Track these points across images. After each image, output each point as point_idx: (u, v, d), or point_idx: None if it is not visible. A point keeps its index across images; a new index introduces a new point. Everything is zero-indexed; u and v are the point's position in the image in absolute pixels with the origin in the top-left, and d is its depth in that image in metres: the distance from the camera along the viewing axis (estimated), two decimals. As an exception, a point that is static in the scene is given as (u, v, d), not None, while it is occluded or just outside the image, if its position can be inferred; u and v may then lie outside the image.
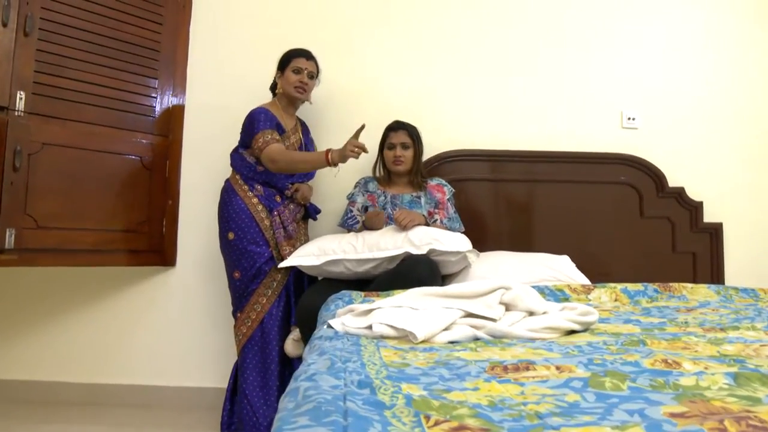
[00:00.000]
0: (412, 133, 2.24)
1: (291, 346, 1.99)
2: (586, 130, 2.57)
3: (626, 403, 0.57)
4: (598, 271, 2.23)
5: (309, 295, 1.88)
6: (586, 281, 2.05)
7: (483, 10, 2.62)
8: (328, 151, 1.91)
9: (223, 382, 2.24)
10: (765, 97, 2.64)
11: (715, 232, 2.49)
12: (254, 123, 2.04)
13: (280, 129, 2.10)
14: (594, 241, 2.46)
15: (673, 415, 0.53)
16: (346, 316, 1.10)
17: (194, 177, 2.46)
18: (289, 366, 2.05)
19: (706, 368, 0.73)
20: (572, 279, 2.04)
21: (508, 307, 1.10)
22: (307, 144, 2.27)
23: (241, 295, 2.02)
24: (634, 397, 0.59)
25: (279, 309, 2.03)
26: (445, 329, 1.00)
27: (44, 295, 2.43)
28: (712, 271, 2.47)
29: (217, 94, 2.50)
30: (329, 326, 1.11)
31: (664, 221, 2.50)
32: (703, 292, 1.69)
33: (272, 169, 2.01)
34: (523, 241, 2.43)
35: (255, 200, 2.04)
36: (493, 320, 1.04)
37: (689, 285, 1.72)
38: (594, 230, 2.48)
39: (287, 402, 0.58)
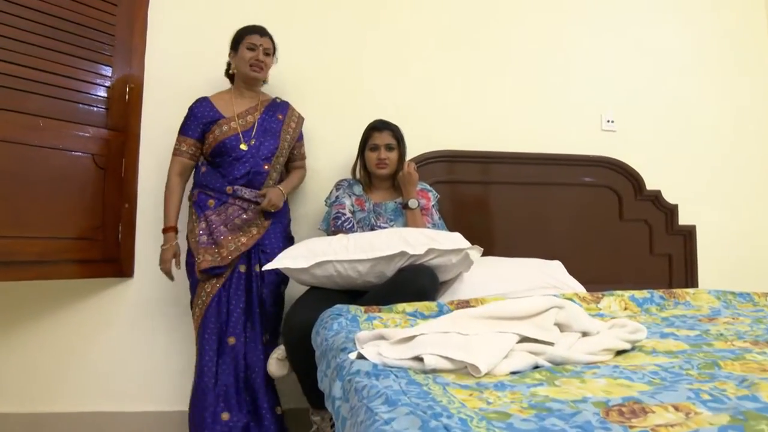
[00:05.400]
0: (397, 134, 2.10)
1: (275, 366, 1.80)
2: (567, 132, 2.55)
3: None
4: (581, 274, 2.16)
5: (297, 312, 1.70)
6: (580, 287, 2.00)
7: (464, 12, 2.53)
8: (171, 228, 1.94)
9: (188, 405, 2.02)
10: (740, 104, 2.74)
11: (689, 234, 2.54)
12: (183, 122, 1.99)
13: (215, 116, 1.96)
14: (574, 243, 2.44)
15: None
16: (382, 346, 0.95)
17: (153, 177, 2.20)
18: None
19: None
20: (567, 285, 1.99)
21: (561, 328, 1.00)
22: (273, 125, 2.05)
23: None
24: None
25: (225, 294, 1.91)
26: (504, 357, 0.89)
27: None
28: (687, 273, 2.53)
29: (178, 85, 2.25)
30: (360, 356, 0.97)
31: (641, 224, 2.53)
32: (704, 297, 1.68)
33: None
34: (507, 245, 2.36)
35: (192, 209, 1.96)
36: (551, 344, 0.94)
37: (691, 290, 1.71)
38: (575, 233, 2.46)
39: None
